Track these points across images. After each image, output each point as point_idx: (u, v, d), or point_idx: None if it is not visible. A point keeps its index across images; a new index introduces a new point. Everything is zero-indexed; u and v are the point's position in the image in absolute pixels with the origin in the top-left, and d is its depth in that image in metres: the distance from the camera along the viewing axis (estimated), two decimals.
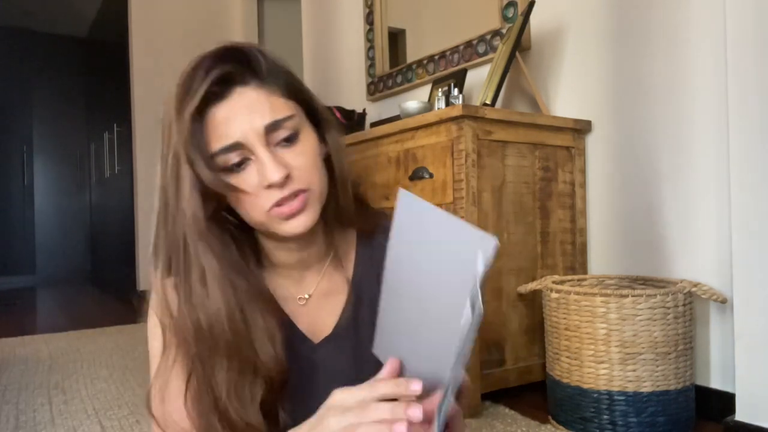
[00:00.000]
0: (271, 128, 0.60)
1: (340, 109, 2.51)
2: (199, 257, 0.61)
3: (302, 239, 0.68)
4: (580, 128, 1.78)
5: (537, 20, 1.96)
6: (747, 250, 1.27)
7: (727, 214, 1.43)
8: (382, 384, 0.49)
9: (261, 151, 0.60)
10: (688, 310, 1.36)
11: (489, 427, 1.45)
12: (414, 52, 2.61)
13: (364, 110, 2.61)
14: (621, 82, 1.73)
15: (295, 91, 0.65)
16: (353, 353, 0.71)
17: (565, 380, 1.41)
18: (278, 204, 0.61)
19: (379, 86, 2.80)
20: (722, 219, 1.47)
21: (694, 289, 1.35)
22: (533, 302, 1.68)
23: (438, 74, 2.38)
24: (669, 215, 1.60)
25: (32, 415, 1.67)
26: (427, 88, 2.43)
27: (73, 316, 3.58)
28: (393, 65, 2.74)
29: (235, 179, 0.61)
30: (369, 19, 2.84)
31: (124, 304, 3.97)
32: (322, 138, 0.68)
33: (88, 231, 5.90)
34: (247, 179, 0.61)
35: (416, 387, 0.48)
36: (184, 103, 0.59)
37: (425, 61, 2.48)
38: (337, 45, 3.21)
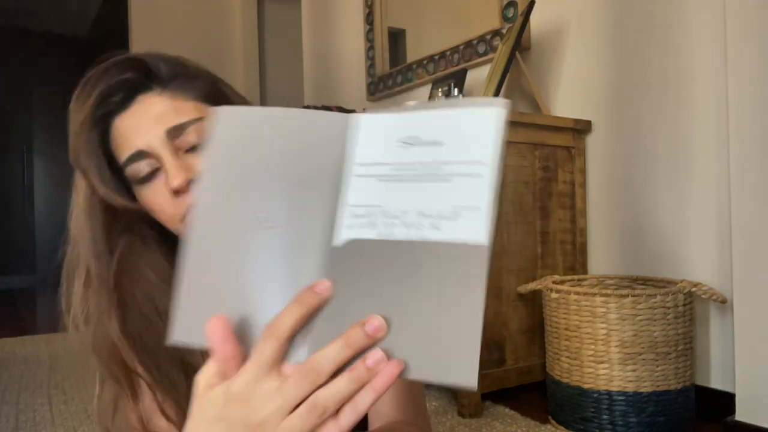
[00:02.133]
0: (175, 133, 0.57)
1: (340, 109, 2.51)
2: (104, 279, 0.60)
3: None
4: (580, 128, 1.78)
5: (537, 20, 1.96)
6: (747, 250, 1.27)
7: (727, 214, 1.43)
8: (329, 351, 0.35)
9: (166, 157, 0.57)
10: (688, 310, 1.36)
11: (489, 427, 1.45)
12: (414, 52, 2.61)
13: (364, 110, 2.61)
14: (621, 82, 1.73)
15: (211, 92, 0.61)
16: None
17: (565, 380, 1.41)
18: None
19: (379, 86, 2.80)
20: (722, 219, 1.47)
21: (694, 289, 1.35)
22: (533, 302, 1.68)
23: (438, 74, 2.38)
24: (669, 215, 1.60)
25: (32, 415, 1.67)
26: (427, 88, 2.43)
27: None
28: (393, 65, 2.74)
29: (147, 191, 0.58)
30: (369, 19, 2.84)
31: None
32: None
33: None
34: (157, 190, 0.58)
35: (376, 323, 0.35)
36: (75, 115, 0.57)
37: (425, 61, 2.48)
38: (337, 45, 3.21)
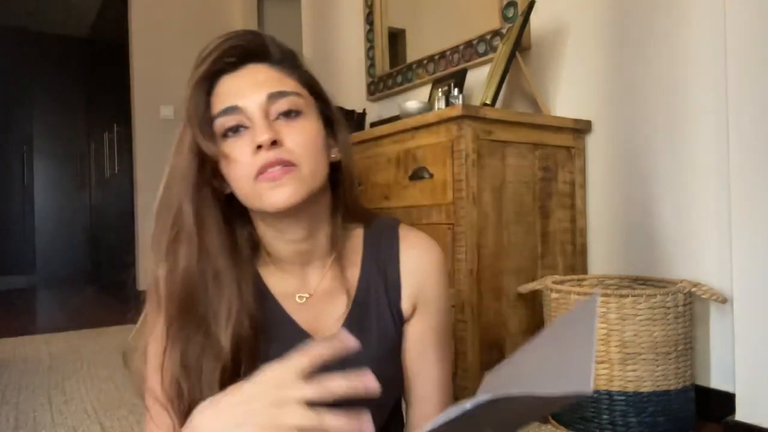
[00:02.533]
0: (274, 97, 0.63)
1: (340, 109, 2.51)
2: (183, 216, 0.63)
3: (297, 225, 0.67)
4: (580, 128, 1.78)
5: (537, 20, 1.96)
6: (747, 250, 1.27)
7: (727, 214, 1.43)
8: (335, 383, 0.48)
9: (257, 116, 0.62)
10: (688, 310, 1.36)
11: None
12: (414, 52, 2.61)
13: (364, 110, 2.61)
14: (621, 82, 1.73)
15: (310, 83, 0.68)
16: (357, 356, 0.69)
17: None
18: (263, 172, 0.62)
19: (379, 86, 2.80)
20: (722, 219, 1.47)
21: (694, 289, 1.35)
22: (533, 302, 1.68)
23: (438, 74, 2.38)
24: (669, 215, 1.60)
25: (32, 415, 1.67)
26: (427, 88, 2.43)
27: (73, 316, 3.58)
28: (393, 65, 2.74)
29: (229, 144, 0.63)
30: (369, 19, 2.84)
31: (124, 304, 3.96)
32: (332, 136, 0.71)
33: (88, 231, 5.90)
34: (239, 146, 0.63)
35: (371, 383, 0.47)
36: (195, 71, 0.63)
37: (425, 61, 2.48)
38: (337, 45, 3.21)
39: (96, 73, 5.30)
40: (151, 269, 0.66)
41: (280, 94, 0.63)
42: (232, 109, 0.62)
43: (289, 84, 0.65)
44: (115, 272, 4.59)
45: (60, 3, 5.22)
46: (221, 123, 0.63)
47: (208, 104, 0.64)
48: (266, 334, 0.67)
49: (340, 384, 0.46)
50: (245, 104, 0.62)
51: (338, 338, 0.48)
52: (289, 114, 0.64)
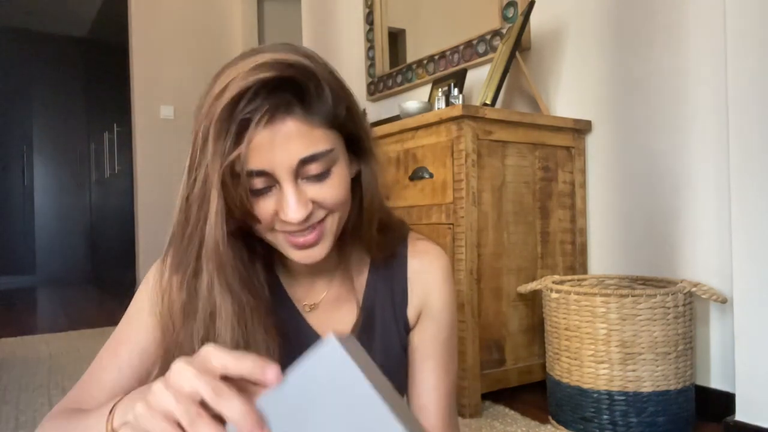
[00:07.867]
0: (306, 162, 0.58)
1: None
2: (213, 284, 0.60)
3: None
4: (580, 128, 1.78)
5: (537, 20, 1.96)
6: (747, 250, 1.27)
7: (727, 214, 1.43)
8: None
9: (287, 184, 0.57)
10: (688, 310, 1.36)
11: (489, 427, 1.45)
12: (414, 52, 2.61)
13: (364, 110, 2.59)
14: (621, 82, 1.73)
15: (340, 118, 0.61)
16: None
17: (565, 380, 1.41)
18: (291, 234, 0.60)
19: (379, 86, 2.80)
20: (722, 219, 1.47)
21: (694, 289, 1.35)
22: (533, 302, 1.68)
23: (438, 74, 2.38)
24: (669, 215, 1.60)
25: (32, 415, 1.67)
26: (427, 88, 2.43)
27: (73, 316, 3.58)
28: (393, 65, 2.74)
29: (253, 200, 0.59)
30: (369, 19, 2.84)
31: (124, 304, 3.96)
32: (358, 162, 0.66)
33: (88, 231, 5.90)
34: (266, 205, 0.59)
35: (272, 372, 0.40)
36: (227, 126, 0.55)
37: (425, 61, 2.48)
38: (337, 45, 3.21)
39: (96, 73, 5.31)
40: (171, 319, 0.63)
41: (312, 158, 0.58)
42: (261, 173, 0.57)
43: (320, 138, 0.58)
44: (115, 272, 4.59)
45: (60, 3, 5.22)
46: (248, 181, 0.57)
47: (237, 142, 0.56)
48: (285, 340, 0.66)
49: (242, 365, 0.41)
50: (274, 169, 0.57)
51: (264, 369, 0.41)
52: (319, 176, 0.59)
